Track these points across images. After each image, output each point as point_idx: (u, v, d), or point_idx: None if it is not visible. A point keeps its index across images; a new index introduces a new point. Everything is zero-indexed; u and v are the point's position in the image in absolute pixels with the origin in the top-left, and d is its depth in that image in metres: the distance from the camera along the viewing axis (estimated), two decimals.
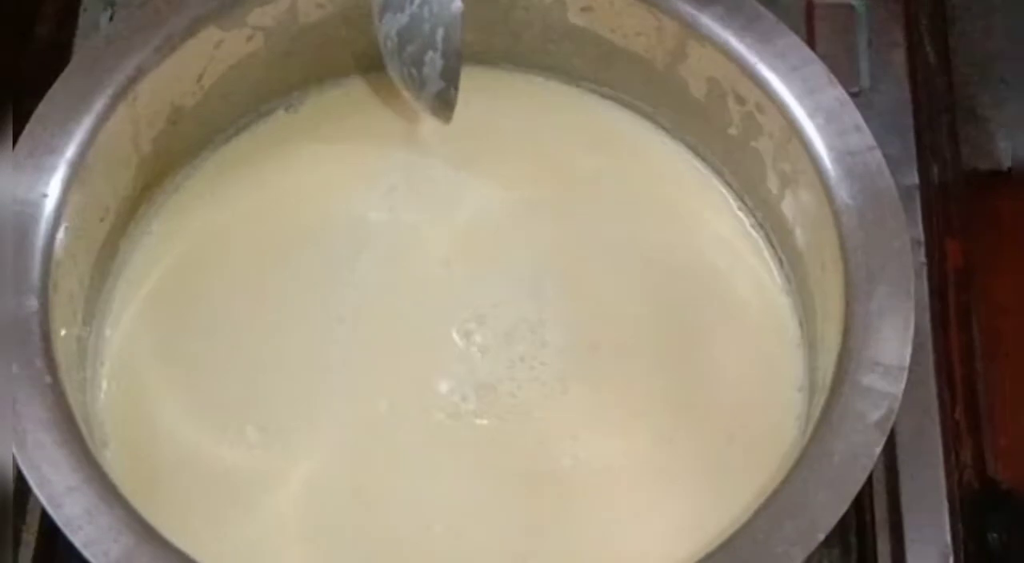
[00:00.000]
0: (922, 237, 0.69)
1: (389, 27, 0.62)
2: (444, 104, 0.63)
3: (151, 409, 0.62)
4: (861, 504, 0.63)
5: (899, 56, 0.74)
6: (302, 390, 0.62)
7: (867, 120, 0.61)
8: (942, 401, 0.66)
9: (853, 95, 0.62)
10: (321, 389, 0.62)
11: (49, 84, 0.60)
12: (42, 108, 0.59)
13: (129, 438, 0.61)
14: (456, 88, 0.62)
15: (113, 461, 0.59)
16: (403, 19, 0.61)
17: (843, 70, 0.68)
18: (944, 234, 0.70)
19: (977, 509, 0.64)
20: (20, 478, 0.58)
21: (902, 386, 0.55)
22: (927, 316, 0.67)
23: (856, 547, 0.65)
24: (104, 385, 0.62)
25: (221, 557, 0.56)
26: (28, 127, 0.58)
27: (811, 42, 0.72)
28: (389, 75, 0.64)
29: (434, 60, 0.62)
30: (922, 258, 0.69)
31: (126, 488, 0.54)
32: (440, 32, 0.61)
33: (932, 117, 0.73)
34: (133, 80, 0.60)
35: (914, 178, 0.71)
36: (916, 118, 0.73)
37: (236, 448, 0.61)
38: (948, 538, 0.64)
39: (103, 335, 0.63)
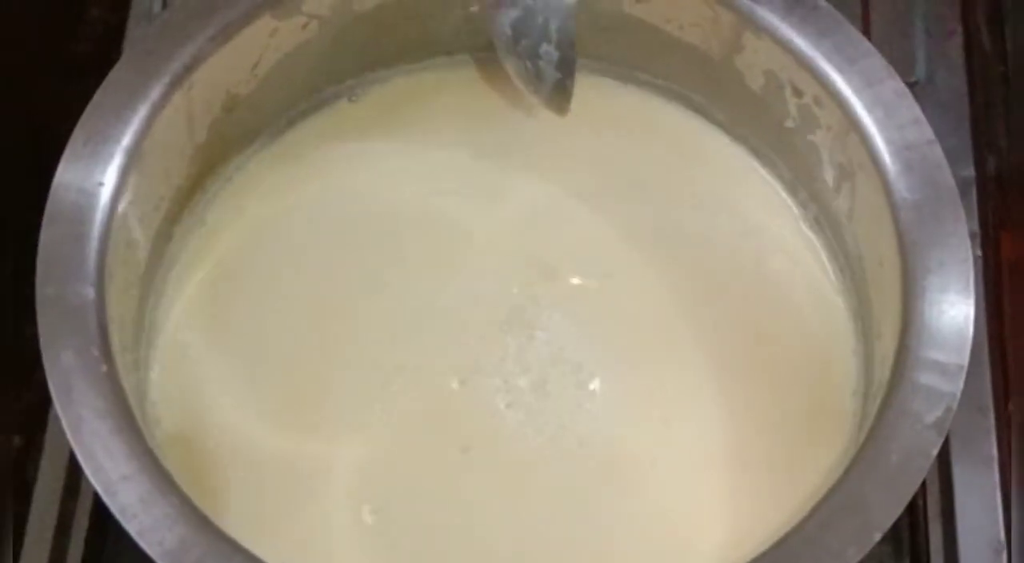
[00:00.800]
0: (977, 229, 0.69)
1: (502, 21, 0.62)
2: (561, 95, 0.63)
3: (202, 396, 0.62)
4: (914, 498, 0.63)
5: (955, 46, 0.73)
6: (355, 380, 0.62)
7: (923, 111, 0.60)
8: (996, 394, 0.66)
9: (909, 85, 0.61)
10: (374, 380, 0.62)
11: (101, 66, 0.60)
12: (98, 97, 0.59)
13: (180, 423, 0.61)
14: (572, 79, 0.62)
15: (162, 439, 0.60)
16: (515, 13, 0.61)
17: (899, 60, 0.68)
18: (1000, 226, 0.70)
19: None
20: (73, 463, 0.58)
21: (960, 386, 0.55)
22: (982, 309, 0.67)
23: (908, 541, 0.65)
24: (156, 370, 0.62)
25: (274, 545, 0.56)
26: (84, 116, 0.58)
27: (867, 32, 0.72)
28: (505, 69, 0.64)
29: (549, 52, 0.61)
30: (977, 251, 0.68)
31: (174, 468, 0.54)
32: (554, 24, 0.61)
33: (988, 107, 0.72)
34: (188, 69, 0.60)
35: (970, 170, 0.70)
36: (972, 108, 0.72)
37: (288, 436, 0.61)
38: (1001, 533, 0.63)
39: (156, 322, 0.63)
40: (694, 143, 0.68)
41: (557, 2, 0.61)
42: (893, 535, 0.64)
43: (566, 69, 0.62)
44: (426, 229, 0.66)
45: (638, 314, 0.64)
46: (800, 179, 0.65)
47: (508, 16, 0.61)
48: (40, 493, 0.62)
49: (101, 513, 0.60)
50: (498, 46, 0.63)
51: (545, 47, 0.61)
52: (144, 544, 0.51)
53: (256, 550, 0.52)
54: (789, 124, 0.64)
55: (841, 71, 0.60)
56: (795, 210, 0.66)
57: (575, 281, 0.64)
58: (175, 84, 0.60)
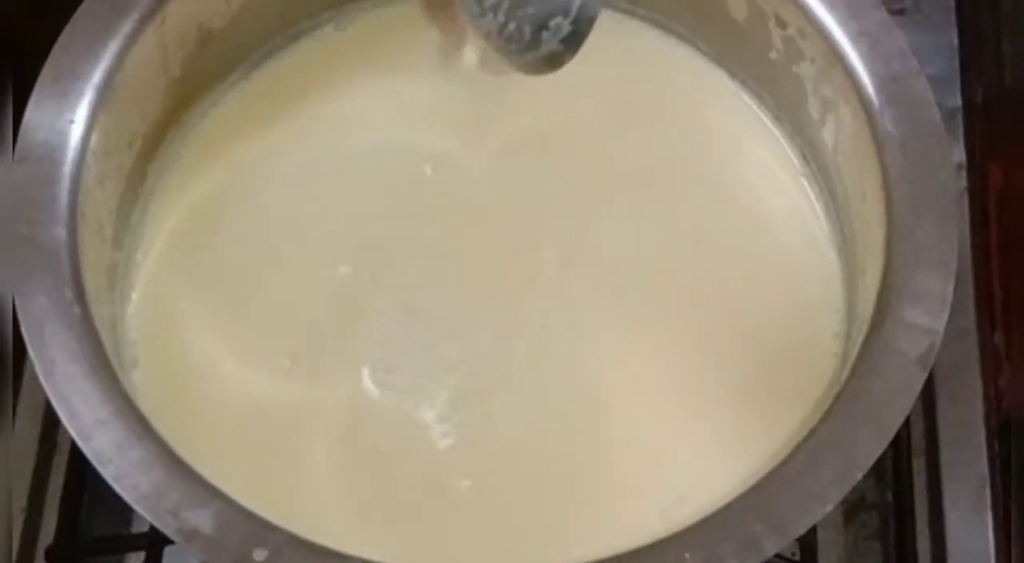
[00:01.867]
0: (964, 160, 0.68)
1: None
2: (548, 65, 0.62)
3: (181, 336, 0.61)
4: (898, 432, 0.63)
5: None
6: (335, 319, 0.62)
7: (909, 39, 0.59)
8: (981, 327, 0.66)
9: (897, 12, 0.61)
10: (354, 318, 0.61)
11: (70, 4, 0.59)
12: (66, 33, 0.58)
13: (158, 365, 0.60)
14: (574, 54, 0.61)
15: (141, 383, 0.59)
16: None
17: None
18: (987, 156, 0.69)
19: (1014, 436, 0.64)
20: (49, 407, 0.58)
21: (944, 322, 0.54)
22: (967, 241, 0.66)
23: (892, 475, 0.64)
24: (134, 311, 0.61)
25: (252, 490, 0.56)
26: (53, 53, 0.57)
27: None
28: (465, 17, 0.62)
29: (561, 25, 0.60)
30: (964, 182, 0.67)
31: (152, 411, 0.54)
32: (578, 1, 0.59)
33: (976, 36, 0.71)
34: (160, 2, 0.59)
35: (956, 100, 0.70)
36: (960, 36, 0.71)
37: (268, 377, 0.61)
38: (985, 466, 0.63)
39: (133, 261, 0.62)
40: (679, 72, 0.67)
41: None
42: (877, 470, 0.63)
43: (574, 44, 0.61)
44: (409, 163, 0.65)
45: (623, 250, 0.63)
46: (785, 111, 0.65)
47: None
48: (17, 437, 0.62)
49: (79, 457, 0.60)
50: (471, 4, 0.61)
51: (558, 20, 0.60)
52: (120, 489, 0.51)
53: (234, 495, 0.52)
54: (773, 56, 0.63)
55: (826, 2, 0.59)
56: (782, 142, 0.65)
57: (559, 218, 0.63)
58: (147, 18, 0.59)
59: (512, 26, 0.60)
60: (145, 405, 0.55)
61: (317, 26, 0.67)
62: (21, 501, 0.61)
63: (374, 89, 0.66)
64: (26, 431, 0.62)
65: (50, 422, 0.62)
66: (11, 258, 0.54)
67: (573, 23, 0.60)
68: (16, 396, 0.62)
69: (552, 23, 0.60)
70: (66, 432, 0.59)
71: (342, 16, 0.67)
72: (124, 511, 0.61)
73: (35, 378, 0.53)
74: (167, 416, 0.56)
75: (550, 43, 0.61)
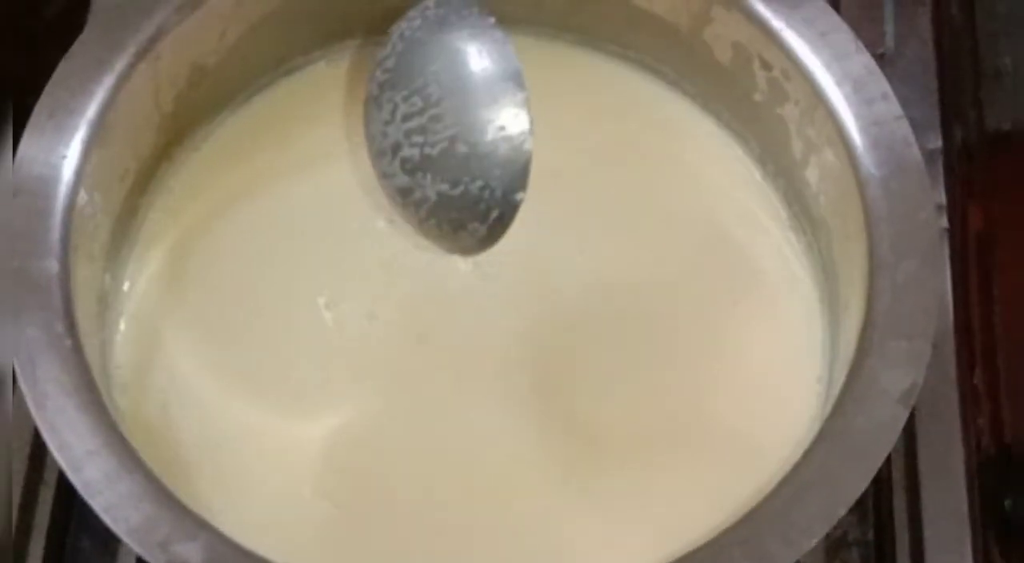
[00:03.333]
0: (944, 201, 0.69)
1: (422, 189, 0.61)
2: (463, 254, 0.63)
3: (168, 363, 0.62)
4: (879, 470, 0.63)
5: (924, 17, 0.73)
6: (322, 352, 0.62)
7: (891, 82, 0.60)
8: (961, 366, 0.66)
9: (878, 57, 0.61)
10: (341, 352, 0.62)
11: (66, 36, 0.60)
12: (61, 69, 0.58)
13: (145, 388, 0.61)
14: (489, 248, 0.62)
15: (127, 408, 0.60)
16: (452, 190, 0.61)
17: (868, 31, 0.68)
18: (967, 198, 0.70)
19: (994, 475, 0.64)
20: (38, 438, 0.58)
21: (926, 361, 0.55)
22: (948, 281, 0.67)
23: (873, 511, 0.65)
24: (122, 338, 0.62)
25: (239, 520, 0.56)
26: (48, 88, 0.58)
27: (835, 3, 0.71)
28: (389, 201, 0.63)
29: (477, 230, 0.61)
30: (944, 223, 0.68)
31: (138, 437, 0.54)
32: (495, 213, 0.60)
33: (956, 79, 0.72)
34: (154, 39, 0.59)
35: (938, 141, 0.70)
36: (940, 80, 0.72)
37: (252, 409, 0.61)
38: (965, 504, 0.63)
39: (122, 291, 0.63)
40: (662, 114, 0.68)
41: (508, 199, 0.60)
42: (858, 506, 0.63)
43: (488, 243, 0.61)
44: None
45: (603, 287, 0.63)
46: (768, 152, 0.65)
47: (434, 188, 0.61)
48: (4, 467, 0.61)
49: (66, 488, 0.60)
50: (393, 198, 0.62)
51: (474, 226, 0.61)
52: (110, 521, 0.51)
53: (222, 525, 0.52)
54: (757, 97, 0.63)
55: (810, 44, 0.60)
56: (763, 182, 0.66)
57: (536, 252, 0.63)
58: (141, 55, 0.59)
59: (432, 222, 0.62)
60: (131, 429, 0.55)
61: (308, 62, 0.67)
62: (7, 534, 0.61)
63: (359, 125, 0.66)
64: (13, 462, 0.62)
65: (38, 454, 0.62)
66: (3, 291, 0.54)
67: (488, 229, 0.61)
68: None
69: (470, 227, 0.61)
70: (53, 464, 0.60)
71: (334, 53, 0.68)
72: (111, 542, 0.61)
73: (21, 409, 0.54)
74: (153, 442, 0.57)
75: (465, 241, 0.62)
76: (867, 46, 0.61)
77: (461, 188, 0.60)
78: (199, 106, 0.64)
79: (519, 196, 0.60)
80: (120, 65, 0.59)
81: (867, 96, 0.59)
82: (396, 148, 0.61)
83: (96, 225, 0.59)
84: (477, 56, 0.60)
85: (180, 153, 0.65)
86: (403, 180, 0.61)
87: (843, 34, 0.60)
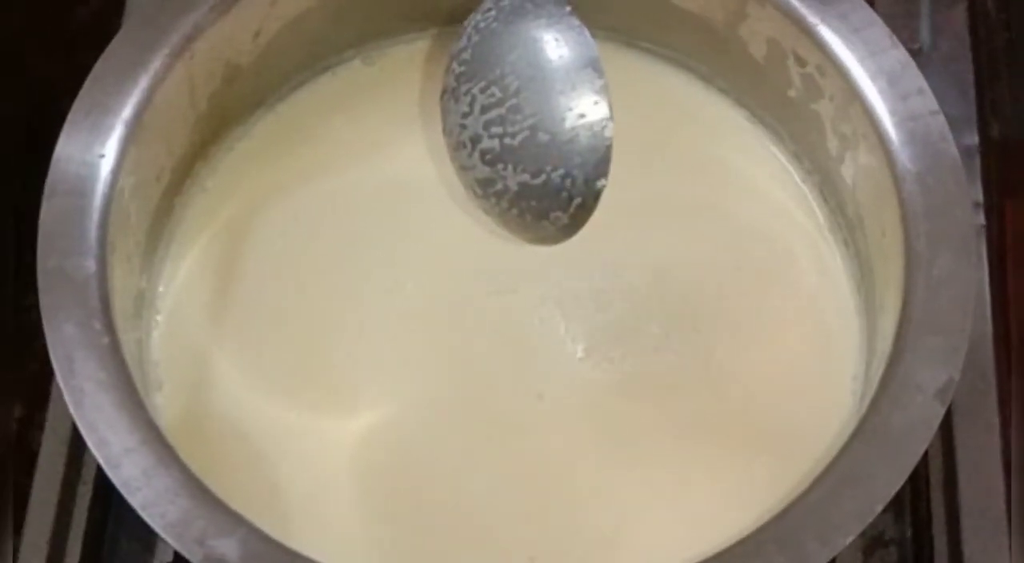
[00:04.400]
0: (981, 198, 0.68)
1: (503, 180, 0.61)
2: (545, 244, 0.62)
3: (204, 361, 0.62)
4: (916, 467, 0.63)
5: (959, 12, 0.73)
6: (358, 351, 0.62)
7: (927, 78, 0.60)
8: (999, 364, 0.66)
9: (913, 52, 0.61)
10: (378, 350, 0.62)
11: (101, 36, 0.60)
12: (98, 68, 0.59)
13: (181, 386, 0.61)
14: (572, 236, 0.61)
15: (164, 405, 0.60)
16: (533, 180, 0.60)
17: (903, 27, 0.68)
18: (1004, 194, 0.70)
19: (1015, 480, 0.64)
20: (76, 436, 0.59)
21: (962, 357, 0.54)
22: (985, 277, 0.66)
23: (910, 510, 0.65)
24: (158, 336, 0.62)
25: (276, 516, 0.56)
26: (84, 88, 0.58)
27: None
28: (468, 195, 0.63)
29: (560, 218, 0.61)
30: (981, 220, 0.68)
31: (174, 433, 0.55)
32: (577, 201, 0.60)
33: (992, 75, 0.72)
34: (190, 38, 0.60)
35: (974, 138, 0.70)
36: (977, 76, 0.72)
37: (288, 407, 0.61)
38: (1003, 502, 0.63)
39: (158, 290, 0.63)
40: (697, 111, 0.68)
41: (590, 186, 0.60)
42: (895, 504, 0.63)
43: (570, 231, 0.61)
44: (430, 194, 0.65)
45: (637, 283, 0.64)
46: (803, 148, 0.65)
47: (517, 178, 0.61)
48: (43, 464, 0.62)
49: (104, 485, 0.61)
50: (474, 186, 0.62)
51: (556, 214, 0.61)
52: (147, 517, 0.52)
53: (258, 522, 0.52)
54: (792, 93, 0.63)
55: (845, 40, 0.60)
56: (798, 179, 0.66)
57: (573, 252, 0.63)
58: (176, 54, 0.60)
59: (514, 212, 0.61)
60: (168, 426, 0.56)
61: (343, 61, 0.68)
62: (46, 531, 0.61)
63: (401, 122, 0.67)
64: (51, 459, 0.62)
65: (75, 452, 0.62)
66: (42, 290, 0.55)
67: (571, 217, 0.60)
68: (41, 425, 0.63)
69: (552, 215, 0.61)
70: (91, 462, 0.61)
71: (369, 51, 0.68)
72: (148, 539, 0.62)
73: (60, 406, 0.54)
74: (189, 438, 0.56)
75: (548, 230, 0.61)
76: (902, 42, 0.60)
77: (543, 177, 0.60)
78: (234, 105, 0.65)
79: (601, 183, 0.60)
80: (155, 64, 0.59)
81: (902, 91, 0.59)
82: (476, 140, 0.61)
83: (133, 224, 0.60)
84: (555, 44, 0.60)
85: (215, 152, 0.65)
86: (484, 172, 0.61)
87: (878, 29, 0.60)
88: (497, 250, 0.64)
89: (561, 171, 0.59)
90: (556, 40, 0.59)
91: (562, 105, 0.59)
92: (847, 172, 0.62)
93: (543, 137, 0.59)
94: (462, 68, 0.61)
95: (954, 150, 0.58)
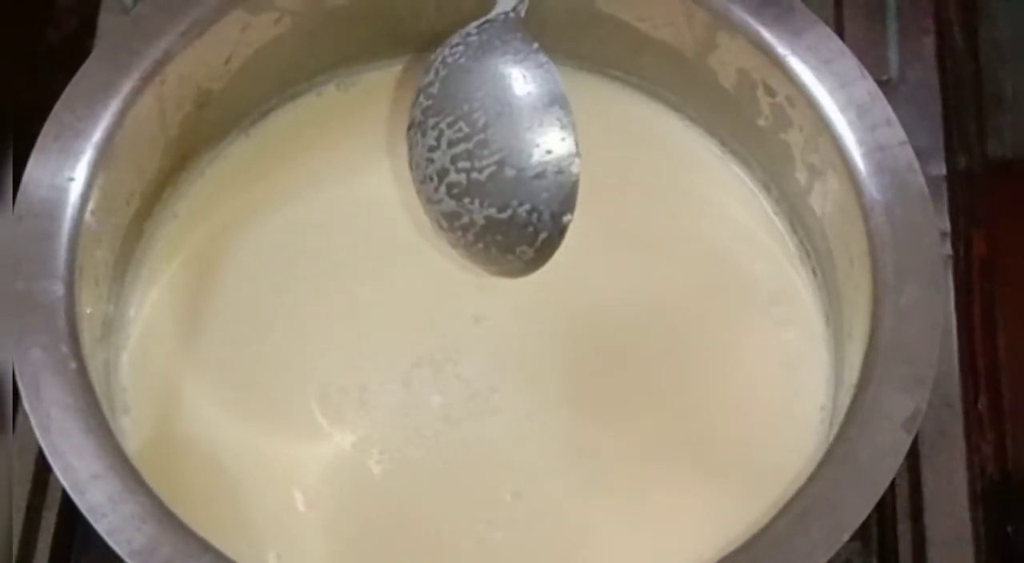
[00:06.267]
0: (948, 228, 0.69)
1: (470, 214, 0.61)
2: (509, 277, 0.62)
3: (172, 386, 0.62)
4: (883, 496, 0.63)
5: (928, 44, 0.73)
6: (328, 377, 0.62)
7: (895, 108, 0.60)
8: (965, 392, 0.66)
9: (881, 83, 0.62)
10: (347, 376, 0.62)
11: (72, 59, 0.60)
12: (68, 91, 0.58)
13: (148, 411, 0.61)
14: (534, 271, 0.61)
15: (131, 428, 0.60)
16: (500, 214, 0.60)
17: (871, 57, 0.68)
18: (971, 224, 0.70)
19: (997, 501, 0.64)
20: (41, 461, 0.58)
21: (930, 386, 0.55)
22: (951, 307, 0.67)
23: (876, 538, 0.65)
24: (126, 361, 0.62)
25: (244, 543, 0.56)
26: (54, 111, 0.58)
27: (839, 29, 0.72)
28: (433, 227, 0.63)
29: (525, 252, 0.61)
30: (948, 250, 0.68)
31: (141, 457, 0.54)
32: (543, 235, 0.60)
33: (960, 106, 0.72)
34: (161, 63, 0.60)
35: (941, 168, 0.70)
36: (944, 107, 0.72)
37: (257, 433, 0.61)
38: (969, 530, 0.63)
39: (127, 315, 0.63)
40: (667, 139, 0.68)
41: (555, 221, 0.60)
42: (862, 533, 0.64)
43: (533, 267, 0.61)
44: (402, 220, 0.65)
45: (605, 310, 0.64)
46: (772, 177, 0.66)
47: (482, 212, 0.60)
48: (8, 489, 0.62)
49: (69, 511, 0.60)
50: (438, 221, 0.62)
51: (522, 249, 0.61)
52: (113, 543, 0.51)
53: (225, 548, 0.52)
54: (762, 123, 0.64)
55: (814, 71, 0.60)
56: (767, 207, 0.66)
57: (543, 275, 0.63)
58: (147, 79, 0.60)
59: (480, 246, 0.61)
60: (135, 452, 0.55)
61: (315, 86, 0.68)
62: (10, 557, 0.61)
63: (373, 148, 0.67)
64: (17, 484, 0.62)
65: (41, 477, 0.62)
66: (9, 313, 0.54)
67: (536, 251, 0.61)
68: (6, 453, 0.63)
69: (518, 250, 0.61)
70: (56, 487, 0.60)
71: (342, 78, 0.68)
72: None
73: (26, 430, 0.54)
74: (157, 464, 0.56)
75: (513, 263, 0.61)
76: (871, 72, 0.61)
77: (509, 212, 0.60)
78: (205, 130, 0.65)
79: (567, 218, 0.60)
80: (126, 88, 0.59)
81: (871, 122, 0.59)
82: (442, 174, 0.61)
83: (102, 248, 0.60)
84: (522, 81, 0.60)
85: (186, 177, 0.65)
86: (450, 205, 0.61)
87: (847, 60, 0.60)
88: (466, 277, 0.64)
89: (528, 206, 0.60)
90: (523, 76, 0.60)
91: (529, 141, 0.59)
92: (816, 202, 0.63)
93: (510, 172, 0.60)
94: (429, 102, 0.61)
95: (922, 181, 0.58)
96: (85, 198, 0.57)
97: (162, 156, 0.63)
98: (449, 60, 0.61)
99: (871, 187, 0.58)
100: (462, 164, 0.60)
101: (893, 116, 0.59)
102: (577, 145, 0.59)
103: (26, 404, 0.53)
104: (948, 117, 0.72)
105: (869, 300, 0.57)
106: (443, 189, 0.61)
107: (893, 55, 0.73)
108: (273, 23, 0.63)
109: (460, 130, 0.60)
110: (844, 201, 0.59)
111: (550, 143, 0.59)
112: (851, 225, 0.59)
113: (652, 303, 0.64)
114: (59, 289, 0.55)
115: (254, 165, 0.66)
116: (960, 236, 0.69)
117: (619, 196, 0.66)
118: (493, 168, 0.60)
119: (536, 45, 0.60)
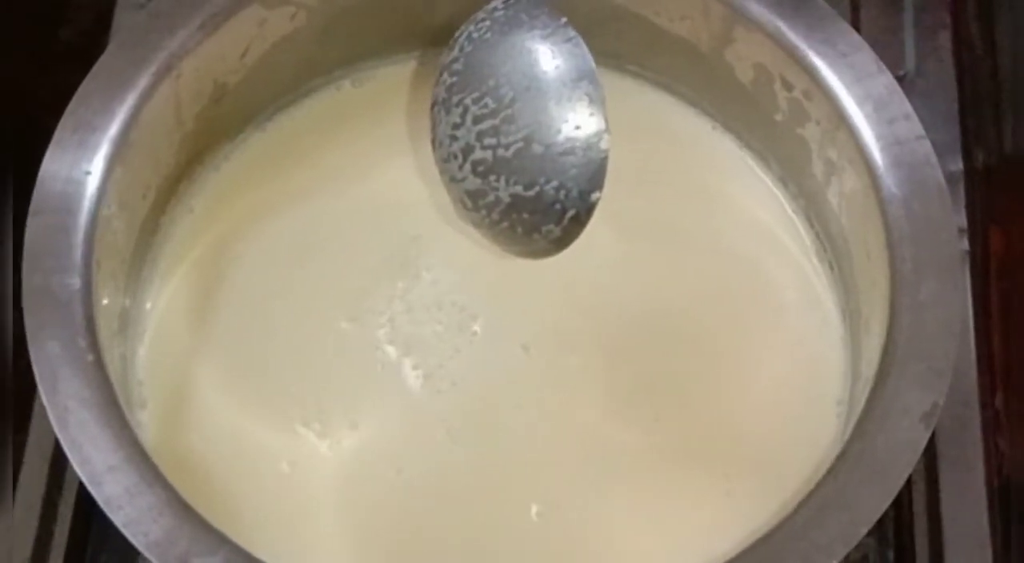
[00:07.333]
0: (965, 224, 0.69)
1: (495, 191, 0.60)
2: (534, 258, 0.62)
3: (188, 379, 0.62)
4: (900, 491, 0.63)
5: (945, 38, 0.73)
6: (343, 370, 0.62)
7: (911, 103, 0.60)
8: (982, 389, 0.66)
9: (898, 78, 0.61)
10: (362, 370, 0.62)
11: (88, 54, 0.60)
12: (85, 85, 0.59)
13: (165, 404, 0.61)
14: (561, 250, 0.61)
15: (148, 422, 0.60)
16: (526, 192, 0.59)
17: (888, 52, 0.68)
18: (987, 221, 0.70)
19: (1015, 499, 0.64)
20: (58, 452, 0.58)
21: (947, 381, 0.55)
22: (969, 303, 0.67)
23: (893, 535, 0.65)
24: (143, 354, 0.62)
25: (258, 536, 0.56)
26: (71, 105, 0.58)
27: (856, 23, 0.72)
28: (456, 208, 0.63)
29: (551, 231, 0.60)
30: (965, 245, 0.68)
31: (158, 451, 0.55)
32: (571, 213, 0.59)
33: (977, 101, 0.72)
34: (176, 58, 0.60)
35: (958, 164, 0.70)
36: (961, 102, 0.72)
37: (273, 427, 0.61)
38: (986, 527, 0.63)
39: (144, 309, 0.63)
40: (683, 134, 0.68)
41: (583, 199, 0.59)
42: (879, 528, 0.64)
43: (561, 245, 0.60)
44: (418, 215, 0.65)
45: (622, 307, 0.63)
46: (789, 172, 0.65)
47: (509, 190, 0.60)
48: (25, 482, 0.62)
49: (86, 503, 0.60)
50: (462, 200, 0.62)
51: (549, 227, 0.60)
52: (130, 535, 0.51)
53: (241, 541, 0.52)
54: (779, 117, 0.64)
55: (832, 65, 0.60)
56: (784, 203, 0.66)
57: (558, 270, 0.63)
58: (163, 73, 0.60)
59: (504, 225, 0.61)
60: (151, 444, 0.56)
61: (331, 81, 0.68)
62: (27, 550, 0.61)
63: (389, 143, 0.66)
64: (33, 477, 0.62)
65: (57, 469, 0.62)
66: (26, 307, 0.55)
67: (563, 230, 0.60)
68: (23, 443, 0.63)
69: (544, 229, 0.60)
70: (73, 479, 0.61)
71: (357, 73, 0.68)
72: (130, 558, 0.61)
73: (43, 423, 0.54)
74: (173, 457, 0.57)
75: (539, 243, 0.61)
76: (887, 67, 0.61)
77: (536, 189, 0.59)
78: (221, 125, 0.65)
79: (595, 196, 0.59)
80: (142, 83, 0.59)
81: (888, 116, 0.59)
82: (467, 151, 0.60)
83: (119, 242, 0.60)
84: (550, 55, 0.59)
85: (202, 172, 0.65)
86: (475, 183, 0.60)
87: (864, 54, 0.60)
88: (485, 272, 0.64)
89: (555, 183, 0.59)
90: (551, 51, 0.59)
91: (557, 116, 0.59)
92: (833, 196, 0.62)
93: (537, 148, 0.59)
94: (453, 78, 0.61)
95: (939, 175, 0.58)
96: (102, 192, 0.57)
97: (178, 150, 0.63)
98: (475, 35, 0.60)
99: (888, 181, 0.58)
100: (488, 140, 0.60)
101: (911, 110, 0.59)
102: (606, 121, 0.59)
103: (43, 397, 0.53)
104: (965, 112, 0.72)
105: (886, 294, 0.57)
106: (468, 167, 0.60)
107: (909, 50, 0.73)
108: (289, 18, 0.63)
109: (486, 106, 0.60)
110: (862, 195, 0.59)
111: (579, 118, 0.59)
112: (868, 220, 0.59)
113: (667, 297, 0.64)
114: (76, 282, 0.55)
115: (270, 160, 0.66)
116: (977, 232, 0.69)
117: (635, 191, 0.65)
118: (520, 144, 0.59)
119: (564, 19, 0.60)
